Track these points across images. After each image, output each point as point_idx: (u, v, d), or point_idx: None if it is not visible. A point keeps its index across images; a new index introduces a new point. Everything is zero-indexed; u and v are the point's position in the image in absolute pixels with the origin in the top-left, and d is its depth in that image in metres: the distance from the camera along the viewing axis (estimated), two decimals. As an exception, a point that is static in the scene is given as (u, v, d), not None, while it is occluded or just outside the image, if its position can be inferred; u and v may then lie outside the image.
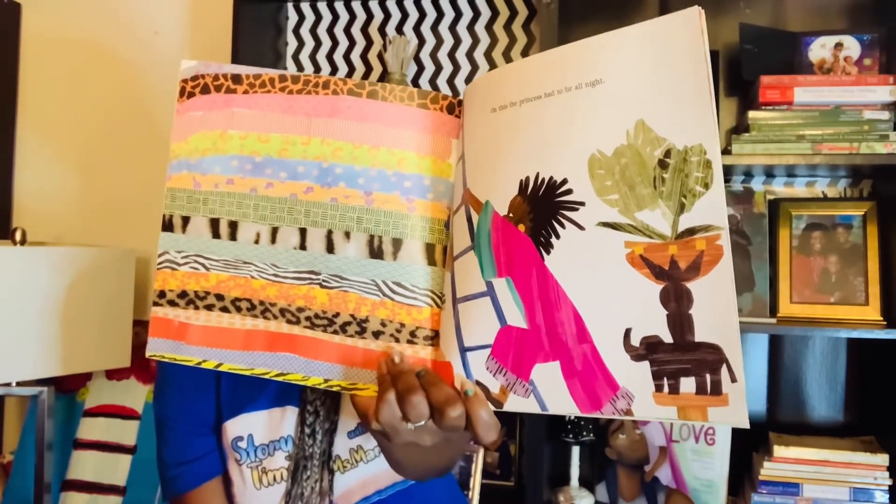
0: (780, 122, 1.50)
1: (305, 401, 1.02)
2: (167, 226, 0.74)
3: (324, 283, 0.67)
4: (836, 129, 1.48)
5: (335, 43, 1.94)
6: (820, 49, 1.61)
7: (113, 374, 1.98)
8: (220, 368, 0.71)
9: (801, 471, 1.50)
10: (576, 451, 1.66)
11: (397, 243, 0.66)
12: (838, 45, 1.60)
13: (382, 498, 1.01)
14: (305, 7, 1.95)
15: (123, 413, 1.95)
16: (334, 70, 1.93)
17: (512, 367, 0.61)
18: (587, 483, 1.70)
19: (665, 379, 0.55)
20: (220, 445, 1.04)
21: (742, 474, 1.62)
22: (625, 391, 0.56)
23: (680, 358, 0.54)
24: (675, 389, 0.54)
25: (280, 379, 0.69)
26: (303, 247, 0.67)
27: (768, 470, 1.51)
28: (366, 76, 1.91)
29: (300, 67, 1.95)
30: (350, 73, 1.93)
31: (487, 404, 0.61)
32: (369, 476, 1.02)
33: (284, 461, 1.01)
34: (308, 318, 0.67)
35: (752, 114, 1.52)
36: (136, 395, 1.96)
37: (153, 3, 2.06)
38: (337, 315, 0.67)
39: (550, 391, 0.59)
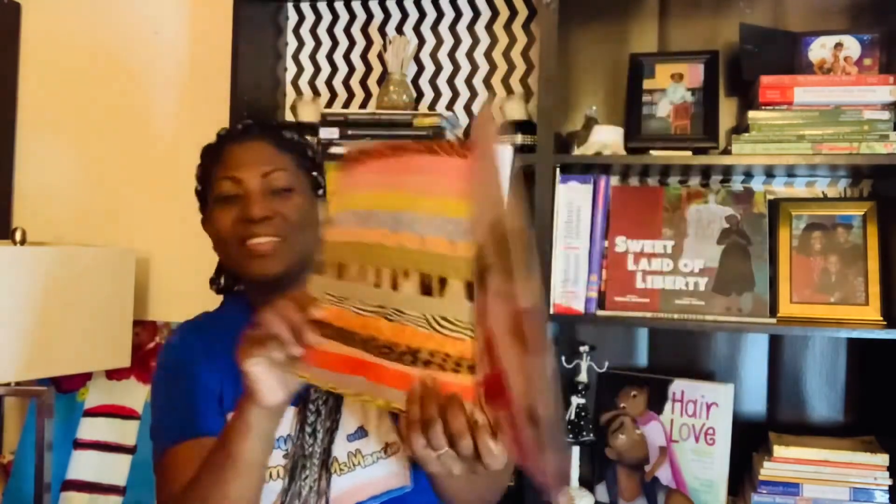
0: (780, 122, 1.51)
1: (308, 400, 1.02)
2: (317, 269, 0.87)
3: (388, 317, 0.77)
4: (836, 129, 1.48)
5: (335, 43, 1.94)
6: (820, 49, 1.61)
7: (113, 374, 1.98)
8: (313, 381, 0.83)
9: (801, 471, 1.50)
10: (576, 451, 1.66)
11: (443, 282, 0.73)
12: (838, 45, 1.60)
13: None
14: (305, 7, 1.95)
15: (123, 413, 1.95)
16: (334, 70, 1.93)
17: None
18: (587, 483, 1.70)
19: None
20: None
21: (742, 474, 1.62)
22: None
23: None
24: None
25: (354, 399, 0.81)
26: (377, 284, 0.79)
27: (768, 470, 1.51)
28: (366, 76, 1.91)
29: (300, 67, 1.95)
30: (350, 74, 1.93)
31: (490, 433, 0.69)
32: (365, 481, 1.02)
33: (281, 460, 1.01)
34: (377, 347, 0.78)
35: (752, 114, 1.52)
36: (136, 395, 1.96)
37: (153, 3, 2.06)
38: (397, 345, 0.76)
39: None
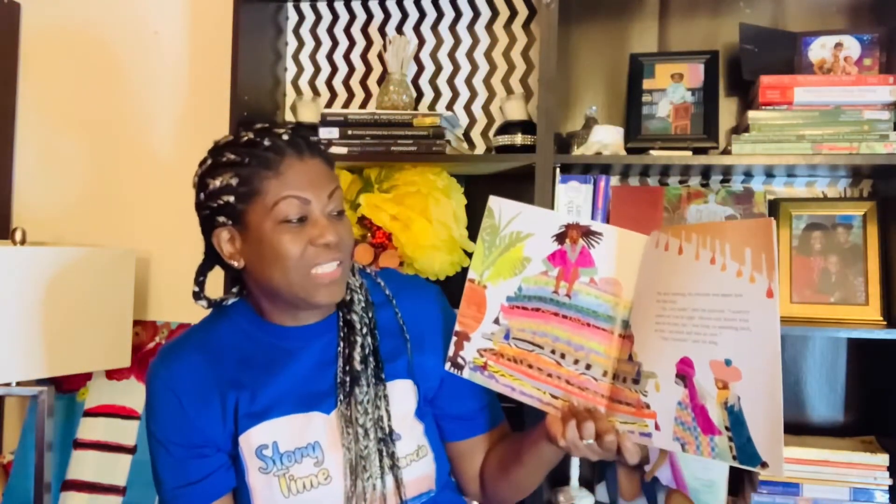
0: (780, 122, 1.50)
1: (356, 402, 1.02)
2: None
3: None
4: (836, 129, 1.48)
5: (335, 43, 1.94)
6: (820, 49, 1.61)
7: (113, 374, 1.98)
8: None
9: (801, 471, 1.50)
10: (576, 451, 1.66)
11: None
12: (838, 45, 1.60)
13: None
14: (305, 7, 1.95)
15: (123, 413, 1.95)
16: (334, 70, 1.93)
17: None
18: (587, 483, 1.70)
19: None
20: (239, 457, 1.02)
21: (742, 474, 1.62)
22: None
23: None
24: None
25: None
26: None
27: (768, 470, 1.51)
28: (366, 76, 1.91)
29: (300, 67, 1.95)
30: (350, 74, 1.93)
31: (630, 438, 0.97)
32: (406, 481, 1.05)
33: (313, 468, 1.00)
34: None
35: (752, 114, 1.52)
36: (136, 395, 1.96)
37: (153, 3, 2.06)
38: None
39: None
